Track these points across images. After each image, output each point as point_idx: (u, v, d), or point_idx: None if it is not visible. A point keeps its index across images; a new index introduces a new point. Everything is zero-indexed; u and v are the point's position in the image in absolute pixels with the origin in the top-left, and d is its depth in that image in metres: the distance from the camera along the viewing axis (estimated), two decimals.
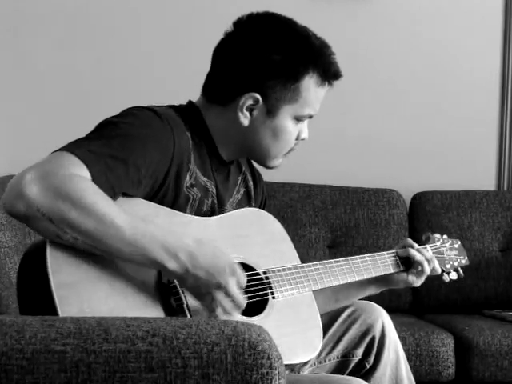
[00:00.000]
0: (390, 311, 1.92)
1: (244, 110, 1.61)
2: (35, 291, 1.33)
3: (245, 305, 1.47)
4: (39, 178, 1.27)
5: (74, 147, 1.36)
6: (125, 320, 1.08)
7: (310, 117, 1.67)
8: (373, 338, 1.83)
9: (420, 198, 3.27)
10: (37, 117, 3.24)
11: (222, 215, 1.65)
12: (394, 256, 1.92)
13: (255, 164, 1.81)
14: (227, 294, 1.42)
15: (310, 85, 1.62)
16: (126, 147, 1.41)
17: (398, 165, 3.39)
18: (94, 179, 1.33)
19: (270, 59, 1.58)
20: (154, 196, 1.50)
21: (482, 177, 3.43)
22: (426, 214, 3.22)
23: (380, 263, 1.88)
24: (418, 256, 1.91)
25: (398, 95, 3.40)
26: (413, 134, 3.40)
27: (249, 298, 1.55)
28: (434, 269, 1.96)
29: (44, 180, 1.28)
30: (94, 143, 1.39)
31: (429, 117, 3.41)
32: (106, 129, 1.45)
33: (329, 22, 3.28)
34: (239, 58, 1.60)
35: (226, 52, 1.64)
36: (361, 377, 1.79)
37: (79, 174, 1.31)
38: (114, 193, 1.37)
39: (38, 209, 1.27)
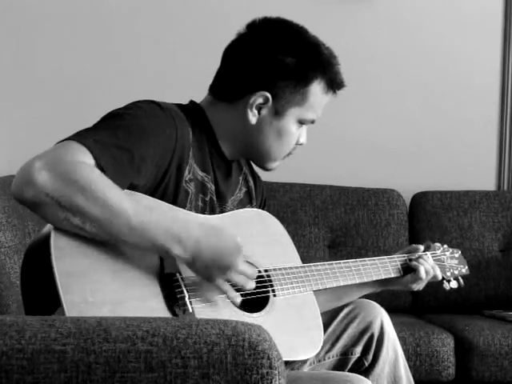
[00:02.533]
0: (389, 311, 1.92)
1: (253, 108, 1.65)
2: (39, 282, 1.35)
3: (255, 276, 1.51)
4: (47, 165, 1.30)
5: (80, 137, 1.39)
6: (125, 320, 1.08)
7: (312, 122, 1.72)
8: (371, 336, 1.83)
9: (420, 198, 3.27)
10: (37, 117, 3.24)
11: (224, 214, 1.67)
12: (395, 262, 1.94)
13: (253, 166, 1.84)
14: (237, 272, 1.46)
15: (317, 90, 1.67)
16: (131, 137, 1.44)
17: (397, 165, 3.39)
18: (101, 168, 1.36)
19: (283, 61, 1.63)
20: (157, 188, 1.52)
21: (481, 177, 3.43)
22: (425, 213, 3.22)
23: (381, 267, 1.90)
24: (417, 264, 1.93)
25: (398, 95, 3.40)
26: (413, 134, 3.40)
27: (250, 294, 1.56)
28: (434, 276, 1.97)
29: (52, 167, 1.30)
30: (100, 133, 1.41)
31: (429, 117, 3.41)
32: (112, 119, 1.48)
33: (327, 22, 3.29)
34: (253, 58, 1.65)
35: (239, 51, 1.68)
36: (359, 374, 1.80)
37: (86, 161, 1.34)
38: (120, 182, 1.40)
39: (47, 194, 1.29)
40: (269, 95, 1.63)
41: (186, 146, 1.58)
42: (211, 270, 1.44)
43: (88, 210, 1.31)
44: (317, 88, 1.66)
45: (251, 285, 1.51)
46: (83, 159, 1.34)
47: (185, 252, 1.40)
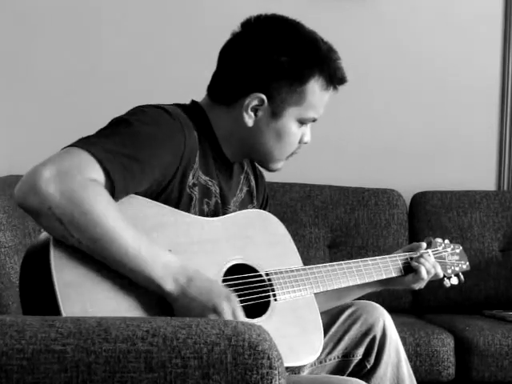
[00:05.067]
0: (390, 311, 1.92)
1: (249, 111, 1.62)
2: (38, 290, 1.33)
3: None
4: (56, 178, 1.29)
5: (89, 145, 1.37)
6: (125, 320, 1.08)
7: (314, 120, 1.68)
8: (373, 338, 1.83)
9: (420, 198, 3.26)
10: (37, 117, 3.23)
11: (226, 216, 1.65)
12: (396, 261, 1.93)
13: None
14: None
15: (316, 88, 1.63)
16: (140, 146, 1.43)
17: (397, 165, 3.39)
18: (111, 180, 1.35)
19: (276, 60, 1.59)
20: (160, 194, 1.51)
21: (481, 177, 3.43)
22: (426, 213, 3.22)
23: (382, 267, 1.88)
24: (418, 264, 1.92)
25: (398, 95, 3.40)
26: (413, 134, 3.40)
27: (251, 299, 1.56)
28: (435, 274, 1.96)
29: (61, 180, 1.29)
30: (109, 141, 1.40)
31: (429, 117, 3.41)
32: (119, 126, 1.46)
33: (326, 22, 3.28)
34: (246, 58, 1.61)
35: (232, 52, 1.65)
36: (361, 377, 1.79)
37: (96, 177, 1.33)
38: (126, 193, 1.40)
39: (50, 207, 1.28)
40: (264, 97, 1.60)
41: (193, 151, 1.56)
42: (196, 310, 1.39)
43: (87, 233, 1.30)
44: (315, 86, 1.62)
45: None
46: (93, 175, 1.33)
47: (176, 290, 1.38)
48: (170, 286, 1.37)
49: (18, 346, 1.02)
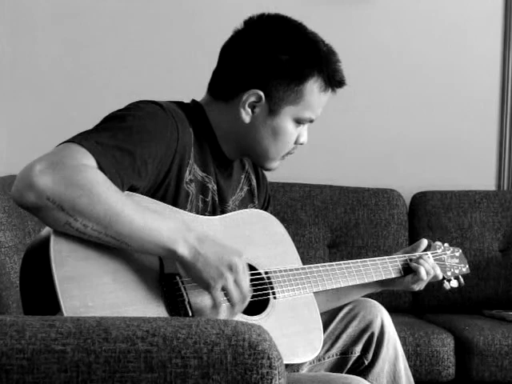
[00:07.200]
0: (389, 311, 1.92)
1: (246, 107, 1.62)
2: (38, 285, 1.34)
3: (249, 296, 1.49)
4: (49, 169, 1.29)
5: (81, 138, 1.37)
6: (125, 320, 1.08)
7: (311, 121, 1.69)
8: (371, 335, 1.83)
9: (420, 198, 3.27)
10: (37, 117, 3.24)
11: (225, 215, 1.66)
12: (396, 262, 1.93)
13: None
14: (236, 279, 1.43)
15: (314, 89, 1.63)
16: (133, 139, 1.43)
17: (397, 165, 3.40)
18: (102, 170, 1.35)
19: (276, 58, 1.60)
20: (157, 190, 1.52)
21: (482, 177, 3.43)
22: (426, 213, 3.22)
23: (381, 268, 1.89)
24: (418, 265, 1.92)
25: (398, 95, 3.40)
26: (413, 134, 3.40)
27: (250, 297, 1.56)
28: (435, 276, 1.96)
29: (54, 170, 1.29)
30: (101, 135, 1.40)
31: (429, 116, 3.41)
32: (113, 121, 1.47)
33: (327, 22, 3.28)
34: (246, 55, 1.62)
35: (233, 48, 1.65)
36: (359, 373, 1.80)
37: (88, 163, 1.33)
38: (121, 184, 1.39)
39: (49, 197, 1.28)
40: (261, 93, 1.61)
41: (188, 146, 1.57)
42: (213, 269, 1.41)
43: (91, 212, 1.30)
44: (313, 86, 1.62)
45: (240, 307, 1.47)
46: (85, 161, 1.33)
47: (189, 250, 1.38)
48: (181, 248, 1.38)
49: (18, 346, 1.02)
